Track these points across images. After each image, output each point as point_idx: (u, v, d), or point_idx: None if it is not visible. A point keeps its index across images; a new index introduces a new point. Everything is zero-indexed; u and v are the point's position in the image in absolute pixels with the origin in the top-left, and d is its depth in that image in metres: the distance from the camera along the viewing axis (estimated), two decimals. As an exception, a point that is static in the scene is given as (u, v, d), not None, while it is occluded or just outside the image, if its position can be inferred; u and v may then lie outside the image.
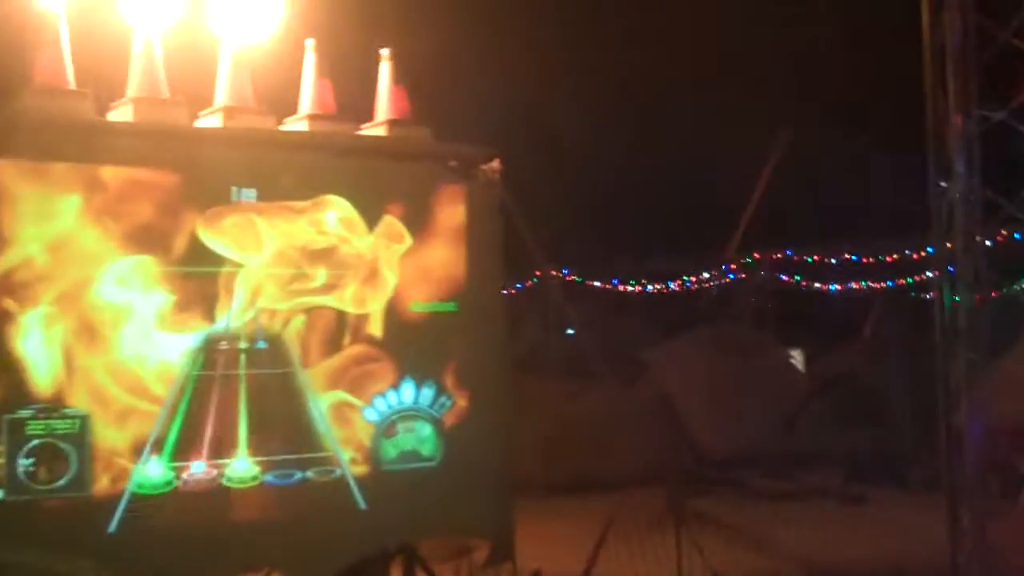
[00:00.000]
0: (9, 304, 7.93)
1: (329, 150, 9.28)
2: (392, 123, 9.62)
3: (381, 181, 9.38)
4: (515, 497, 10.34)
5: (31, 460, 7.90)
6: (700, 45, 21.19)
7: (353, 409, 9.11)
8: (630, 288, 26.80)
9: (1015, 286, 8.50)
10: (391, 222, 9.32)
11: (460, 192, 9.65)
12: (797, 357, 25.81)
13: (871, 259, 24.68)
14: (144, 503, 8.23)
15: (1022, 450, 9.07)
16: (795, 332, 25.76)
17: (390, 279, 9.30)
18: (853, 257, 24.88)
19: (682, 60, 21.20)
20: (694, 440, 20.15)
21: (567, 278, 24.23)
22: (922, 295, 25.25)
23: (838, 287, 26.91)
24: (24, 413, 7.91)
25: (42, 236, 8.04)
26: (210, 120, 8.99)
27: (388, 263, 9.29)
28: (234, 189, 8.77)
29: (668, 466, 13.92)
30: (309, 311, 8.99)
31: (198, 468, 8.46)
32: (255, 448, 8.68)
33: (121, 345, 8.26)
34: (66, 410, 8.01)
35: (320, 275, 9.05)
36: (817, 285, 27.01)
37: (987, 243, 8.70)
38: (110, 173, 8.30)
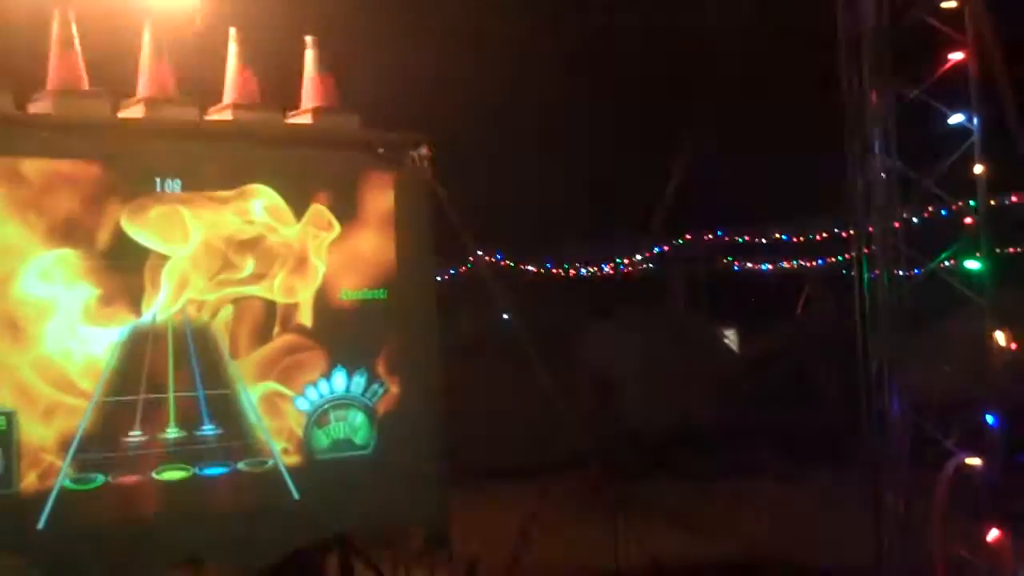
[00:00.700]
0: (-70, 301, 7.81)
1: (254, 139, 9.21)
2: (318, 111, 9.57)
3: (308, 169, 9.32)
4: (452, 484, 10.35)
5: (-44, 459, 7.80)
6: (621, 21, 21.27)
7: (284, 399, 9.07)
8: (563, 271, 26.86)
9: (935, 263, 8.58)
10: (319, 210, 9.27)
11: (388, 179, 9.62)
12: (731, 337, 26.06)
13: (801, 238, 24.93)
14: (73, 499, 8.15)
15: (943, 425, 9.22)
16: (728, 312, 26.00)
17: (319, 268, 9.26)
18: (783, 236, 25.11)
19: (609, 37, 21.28)
20: (628, 421, 20.29)
21: (501, 263, 24.24)
22: (852, 273, 25.55)
23: (770, 267, 27.16)
24: (-53, 412, 7.81)
25: (-38, 231, 7.92)
26: (132, 111, 8.89)
27: (316, 252, 9.25)
28: (158, 180, 8.68)
29: (603, 449, 13.95)
30: (237, 302, 8.93)
31: (127, 463, 8.36)
32: (185, 441, 8.61)
33: (46, 340, 8.16)
34: (-10, 407, 7.91)
35: (248, 265, 8.99)
36: (749, 265, 27.25)
37: (910, 220, 8.81)
38: (31, 166, 8.19)
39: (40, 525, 8.02)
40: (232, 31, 9.39)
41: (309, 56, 9.69)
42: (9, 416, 7.95)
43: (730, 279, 26.98)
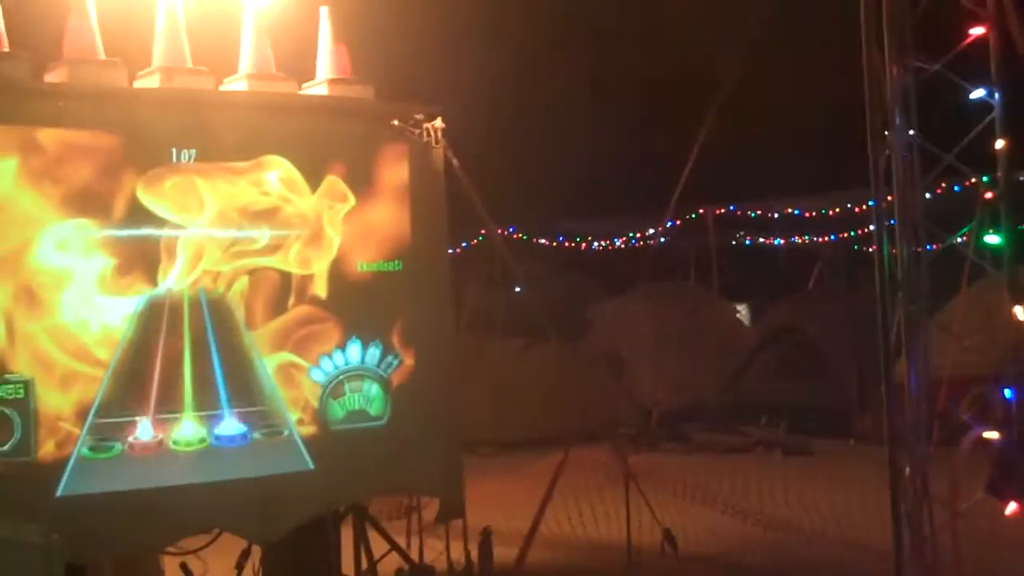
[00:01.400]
0: (-53, 270, 7.83)
1: (269, 110, 9.20)
2: (333, 82, 9.55)
3: (323, 141, 9.31)
4: (464, 455, 10.39)
5: (-26, 426, 7.83)
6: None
7: (300, 370, 9.08)
8: (575, 245, 26.85)
9: (954, 238, 8.56)
10: (334, 182, 9.26)
11: (403, 151, 9.61)
12: (742, 312, 26.06)
13: (813, 213, 24.86)
14: (91, 467, 8.18)
15: (960, 399, 9.21)
16: (740, 287, 25.99)
17: (334, 239, 9.25)
18: (795, 212, 25.05)
19: (627, 13, 21.22)
20: (639, 395, 20.32)
21: (513, 236, 24.23)
22: (865, 248, 25.50)
23: (782, 242, 27.11)
24: (-35, 380, 7.84)
25: (-22, 200, 7.93)
26: (148, 81, 8.88)
27: (331, 223, 9.25)
28: (173, 150, 8.68)
29: (614, 422, 14.01)
30: (252, 273, 8.93)
31: (144, 432, 8.40)
32: (201, 411, 8.64)
33: (63, 309, 8.17)
34: (8, 375, 7.92)
35: (263, 236, 8.99)
36: (761, 240, 27.21)
37: (927, 195, 8.77)
38: (47, 136, 8.18)
39: (58, 493, 8.05)
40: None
41: (324, 25, 9.66)
42: (27, 384, 7.97)
43: (741, 254, 26.96)
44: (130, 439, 8.36)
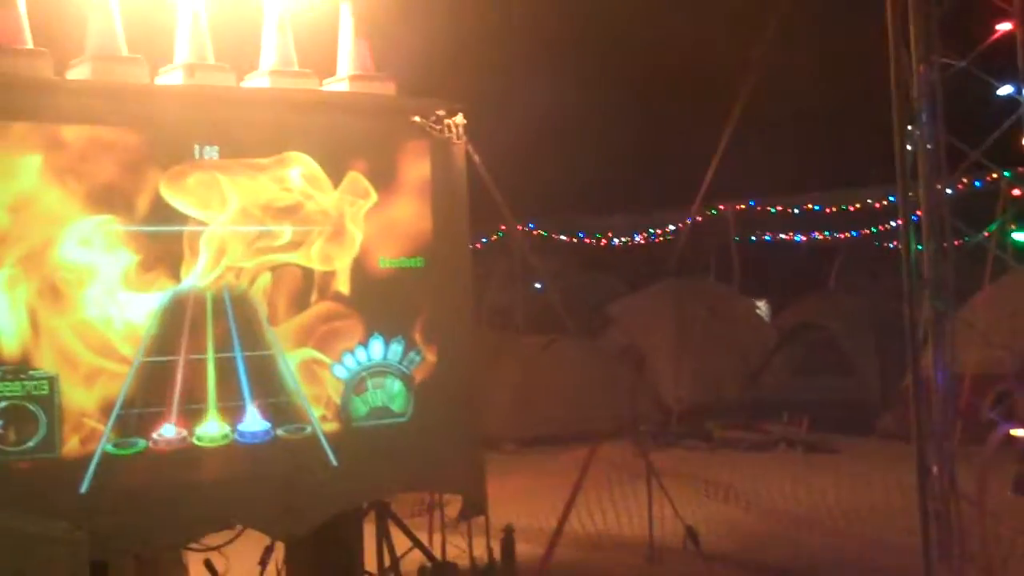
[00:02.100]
0: (-28, 267, 7.85)
1: (291, 106, 9.19)
2: (355, 78, 9.54)
3: (345, 137, 9.30)
4: (486, 451, 10.38)
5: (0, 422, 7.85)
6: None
7: (322, 366, 9.08)
8: (595, 242, 26.81)
9: (981, 234, 8.51)
10: (356, 178, 9.26)
11: (425, 147, 9.60)
12: (762, 308, 25.98)
13: (834, 209, 24.78)
14: (115, 463, 8.20)
15: (985, 397, 9.17)
16: (760, 283, 25.91)
17: (356, 235, 9.25)
18: (816, 207, 24.97)
19: (651, 15, 21.16)
20: (661, 392, 20.28)
21: (533, 232, 24.20)
22: (885, 244, 25.42)
23: (802, 238, 27.01)
24: (-9, 376, 7.86)
25: (3, 197, 7.93)
26: (170, 77, 8.89)
27: (353, 219, 9.24)
28: (196, 147, 8.68)
29: (635, 418, 13.97)
30: (275, 269, 8.93)
31: (168, 428, 8.42)
32: (224, 407, 8.64)
33: (87, 306, 8.18)
34: (33, 371, 7.94)
35: (285, 232, 8.99)
36: (781, 236, 27.11)
37: (950, 191, 8.72)
38: (70, 132, 8.20)
39: (82, 489, 8.06)
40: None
41: (345, 21, 9.65)
42: (51, 380, 7.99)
43: (762, 250, 26.88)
44: (154, 435, 8.37)
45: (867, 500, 12.45)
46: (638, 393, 18.34)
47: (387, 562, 9.69)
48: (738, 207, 25.08)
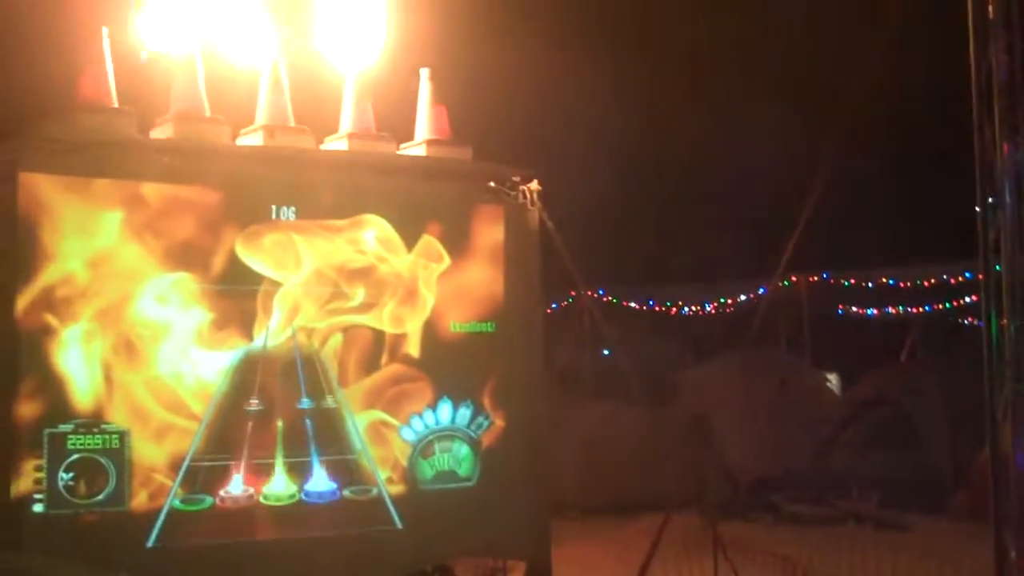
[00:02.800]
0: (50, 319, 7.99)
1: (368, 169, 9.30)
2: (431, 143, 9.64)
3: (420, 200, 9.39)
4: (551, 518, 10.30)
5: (71, 474, 7.95)
6: (738, 66, 21.18)
7: (390, 428, 9.11)
8: (664, 309, 26.69)
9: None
10: (429, 241, 9.33)
11: (499, 212, 9.66)
12: (833, 381, 25.66)
13: (908, 284, 24.48)
14: (182, 519, 8.25)
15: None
16: (831, 356, 25.60)
17: (428, 299, 9.30)
18: (890, 281, 24.69)
19: (727, 84, 21.21)
20: (728, 463, 20.03)
21: (603, 298, 24.15)
22: (960, 320, 25.04)
23: (875, 311, 26.71)
24: (65, 427, 7.97)
25: (83, 252, 8.10)
26: (250, 139, 9.03)
27: (426, 283, 9.30)
28: (273, 207, 8.80)
29: (702, 489, 13.82)
30: (346, 330, 9.01)
31: (235, 486, 8.46)
32: (292, 466, 8.68)
33: (160, 362, 8.30)
34: (106, 425, 8.05)
35: (358, 294, 9.07)
36: (854, 309, 26.83)
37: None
38: (151, 190, 8.36)
39: (149, 543, 8.13)
40: (352, 66, 9.48)
41: (424, 87, 9.76)
42: (123, 435, 8.09)
43: (834, 322, 26.59)
44: (221, 492, 8.43)
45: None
46: (706, 464, 18.17)
47: (450, 626, 9.64)
48: (811, 278, 24.84)
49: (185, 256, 8.45)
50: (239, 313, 8.63)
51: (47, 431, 7.91)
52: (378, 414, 9.08)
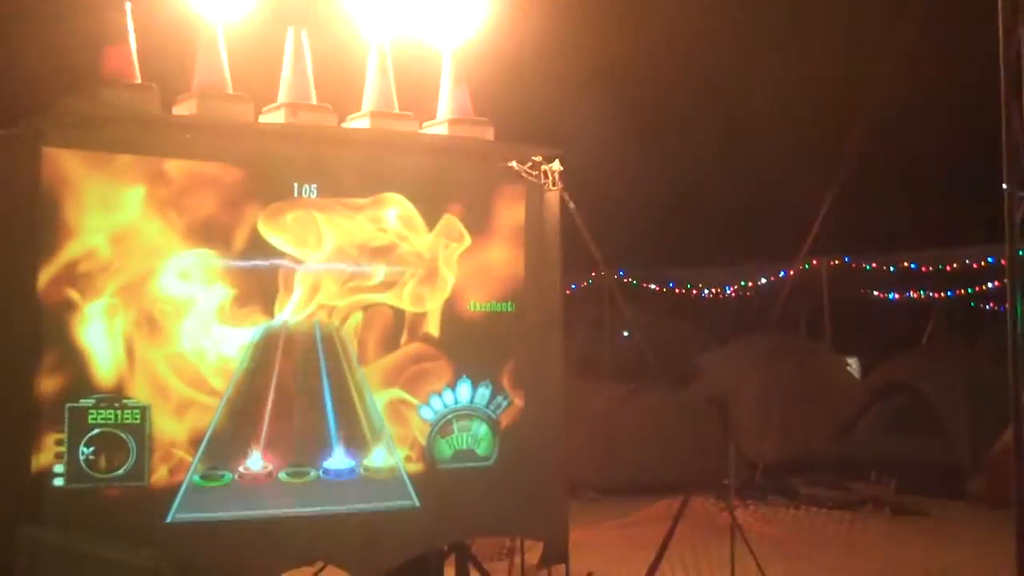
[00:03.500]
0: (72, 294, 8.01)
1: (390, 148, 9.29)
2: (454, 122, 9.62)
3: (441, 180, 9.38)
4: (569, 499, 10.32)
5: (92, 448, 7.98)
6: (772, 53, 21.12)
7: (409, 407, 9.12)
8: (685, 292, 26.65)
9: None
10: (451, 221, 9.32)
11: (520, 192, 9.64)
12: (853, 365, 25.59)
13: (930, 268, 24.38)
14: (201, 494, 8.29)
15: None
16: (852, 340, 25.53)
17: (448, 278, 9.30)
18: (912, 265, 24.58)
19: (751, 67, 21.13)
20: (747, 447, 20.03)
21: (624, 280, 24.13)
22: (981, 305, 24.94)
23: (896, 296, 26.62)
24: (86, 402, 7.99)
25: (106, 227, 8.11)
26: (273, 116, 9.03)
27: (447, 262, 9.30)
28: (295, 185, 8.81)
29: (721, 472, 13.83)
30: (367, 308, 9.01)
31: (254, 462, 8.50)
32: (311, 443, 8.71)
33: (181, 338, 8.32)
34: (127, 400, 8.08)
35: (379, 272, 9.07)
36: (875, 293, 26.74)
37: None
38: (174, 166, 8.36)
39: (168, 519, 8.17)
40: (373, 40, 9.47)
41: (446, 67, 9.74)
42: (144, 410, 8.12)
43: (855, 307, 26.49)
44: (240, 468, 8.46)
45: (957, 566, 12.17)
46: (724, 447, 18.16)
47: (466, 605, 9.66)
48: (832, 263, 24.76)
49: (207, 232, 8.46)
50: (260, 290, 8.63)
51: (68, 405, 7.94)
52: (397, 392, 9.09)
